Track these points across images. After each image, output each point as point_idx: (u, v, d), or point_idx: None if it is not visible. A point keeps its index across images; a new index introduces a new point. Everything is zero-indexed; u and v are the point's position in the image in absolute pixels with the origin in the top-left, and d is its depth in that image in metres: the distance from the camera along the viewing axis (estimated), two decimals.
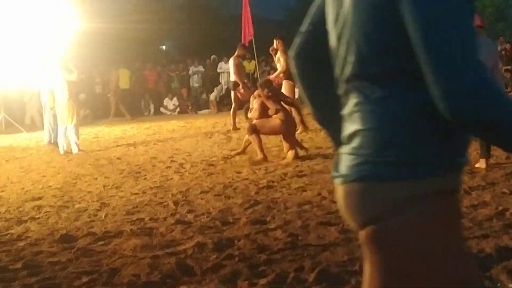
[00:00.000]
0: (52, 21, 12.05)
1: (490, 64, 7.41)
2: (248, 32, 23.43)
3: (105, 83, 23.50)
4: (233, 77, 14.76)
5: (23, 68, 12.73)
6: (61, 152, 11.86)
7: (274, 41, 13.71)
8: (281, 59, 13.30)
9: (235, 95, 14.56)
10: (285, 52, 13.29)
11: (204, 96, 22.79)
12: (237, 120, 14.10)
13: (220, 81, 23.87)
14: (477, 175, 6.92)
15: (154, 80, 23.81)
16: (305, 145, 10.32)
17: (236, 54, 14.81)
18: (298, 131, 12.53)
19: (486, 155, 7.39)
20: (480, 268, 3.79)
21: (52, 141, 12.65)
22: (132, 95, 23.49)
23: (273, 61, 15.75)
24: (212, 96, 22.20)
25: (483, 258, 3.99)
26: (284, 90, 13.25)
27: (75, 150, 11.88)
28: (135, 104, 23.47)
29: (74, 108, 12.00)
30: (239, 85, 14.48)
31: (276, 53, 13.63)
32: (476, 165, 7.39)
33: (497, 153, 8.21)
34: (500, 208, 5.35)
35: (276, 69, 14.03)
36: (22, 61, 12.41)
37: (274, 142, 11.31)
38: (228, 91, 22.88)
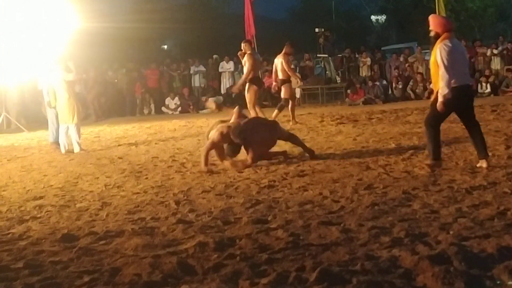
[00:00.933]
0: (51, 19, 12.04)
1: (463, 65, 7.46)
2: (249, 31, 23.42)
3: (108, 83, 23.57)
4: (280, 75, 14.53)
5: (24, 67, 12.73)
6: (63, 151, 11.86)
7: (242, 44, 13.99)
8: (248, 63, 13.51)
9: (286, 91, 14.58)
10: (252, 55, 13.65)
11: (204, 99, 22.79)
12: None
13: (221, 82, 23.86)
14: (479, 175, 6.92)
15: (156, 79, 23.79)
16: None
17: (284, 52, 14.52)
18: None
19: (485, 155, 7.38)
20: (481, 268, 3.80)
21: (55, 141, 12.63)
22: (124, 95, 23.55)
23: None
24: (211, 100, 22.20)
25: (485, 258, 3.98)
26: (247, 94, 13.58)
27: (76, 149, 11.89)
28: (131, 103, 23.47)
29: (75, 107, 12.00)
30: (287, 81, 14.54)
31: (243, 56, 13.78)
32: (478, 165, 7.38)
33: (499, 153, 8.22)
34: (502, 208, 5.35)
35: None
36: (23, 60, 12.41)
37: (278, 143, 11.30)
38: (228, 93, 22.94)
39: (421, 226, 4.93)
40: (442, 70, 7.17)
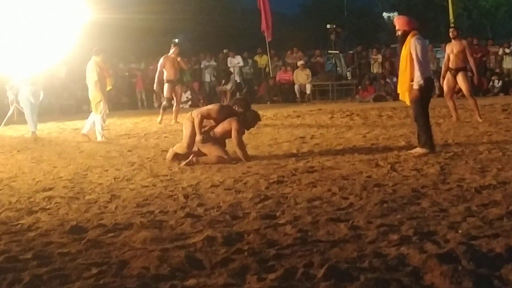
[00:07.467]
0: (63, 11, 12.08)
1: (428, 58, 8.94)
2: (265, 25, 23.34)
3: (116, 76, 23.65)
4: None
5: (36, 59, 12.79)
6: (99, 139, 12.53)
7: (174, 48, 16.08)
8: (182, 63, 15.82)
9: None
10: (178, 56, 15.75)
11: (218, 87, 22.94)
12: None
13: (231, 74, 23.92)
14: (488, 174, 6.89)
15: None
16: (316, 141, 10.36)
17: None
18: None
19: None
20: (490, 268, 3.78)
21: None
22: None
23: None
24: (229, 86, 22.35)
25: (493, 258, 3.96)
26: (166, 90, 15.70)
27: (98, 138, 12.55)
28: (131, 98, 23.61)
29: (100, 99, 12.63)
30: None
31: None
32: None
33: (509, 152, 8.18)
34: (511, 207, 5.32)
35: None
36: (35, 52, 12.46)
37: (285, 137, 11.31)
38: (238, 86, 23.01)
39: (430, 224, 4.91)
40: (418, 62, 8.17)
